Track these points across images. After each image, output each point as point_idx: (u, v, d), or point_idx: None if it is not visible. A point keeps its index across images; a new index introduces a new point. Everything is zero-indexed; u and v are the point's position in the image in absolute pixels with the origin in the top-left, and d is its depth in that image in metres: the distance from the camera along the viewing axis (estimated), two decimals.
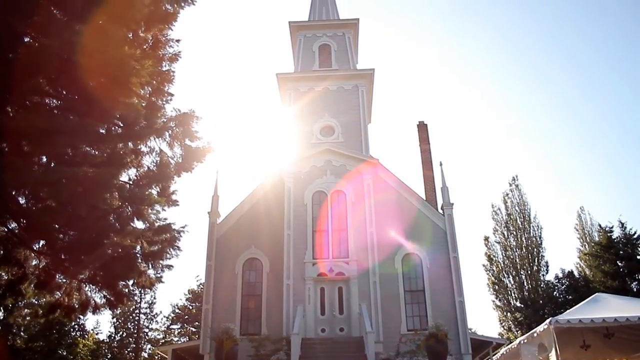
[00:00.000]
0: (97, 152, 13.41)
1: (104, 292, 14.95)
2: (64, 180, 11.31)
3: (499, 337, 32.42)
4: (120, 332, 47.94)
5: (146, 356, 47.51)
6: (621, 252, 37.54)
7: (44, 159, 12.90)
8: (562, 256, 79.49)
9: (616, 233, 38.70)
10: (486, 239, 43.39)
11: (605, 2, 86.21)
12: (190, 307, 46.98)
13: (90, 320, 62.35)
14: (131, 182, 14.24)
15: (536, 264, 40.79)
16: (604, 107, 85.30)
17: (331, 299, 21.95)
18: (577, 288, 37.93)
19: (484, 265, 42.70)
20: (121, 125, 13.48)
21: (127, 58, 11.41)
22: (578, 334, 15.20)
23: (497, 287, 41.27)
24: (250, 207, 24.54)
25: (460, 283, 22.33)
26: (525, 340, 15.59)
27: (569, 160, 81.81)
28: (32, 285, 14.54)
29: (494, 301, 41.68)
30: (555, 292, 40.33)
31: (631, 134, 78.93)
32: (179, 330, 48.30)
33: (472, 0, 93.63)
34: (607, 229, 39.20)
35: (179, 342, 43.37)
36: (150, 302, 48.41)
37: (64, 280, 14.73)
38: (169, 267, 14.97)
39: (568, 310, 16.31)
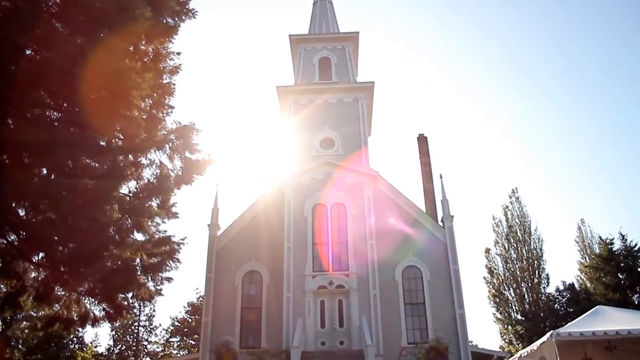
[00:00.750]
0: (97, 165, 13.47)
1: (103, 304, 14.93)
2: (64, 192, 11.33)
3: (500, 350, 32.25)
4: (119, 345, 47.62)
5: None
6: (622, 264, 37.37)
7: (45, 171, 12.95)
8: (563, 268, 79.24)
9: (617, 245, 38.56)
10: (487, 251, 43.25)
11: (609, 16, 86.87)
12: (190, 320, 46.67)
13: (89, 333, 62.11)
14: (131, 195, 14.26)
15: (537, 276, 40.59)
16: (604, 120, 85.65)
17: (331, 311, 21.85)
18: (578, 300, 37.73)
19: (484, 278, 42.53)
20: (122, 137, 13.55)
21: (128, 71, 11.50)
22: (579, 347, 15.11)
23: (497, 299, 41.05)
24: (250, 220, 24.51)
25: (460, 295, 22.22)
26: (527, 354, 15.49)
27: (569, 173, 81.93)
28: (31, 298, 14.51)
29: (494, 314, 41.46)
30: (556, 305, 40.09)
31: (631, 146, 79.09)
32: (178, 343, 47.97)
33: (473, 11, 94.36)
34: (607, 241, 39.07)
35: (178, 355, 43.22)
36: (149, 314, 48.17)
37: (63, 293, 14.72)
38: (169, 279, 14.97)
39: (569, 323, 16.23)
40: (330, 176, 24.01)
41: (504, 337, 41.06)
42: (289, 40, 29.05)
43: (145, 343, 48.27)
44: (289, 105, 26.20)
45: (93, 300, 14.87)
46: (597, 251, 41.70)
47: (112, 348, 47.16)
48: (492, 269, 42.27)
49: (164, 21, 14.14)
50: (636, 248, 37.56)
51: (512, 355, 20.80)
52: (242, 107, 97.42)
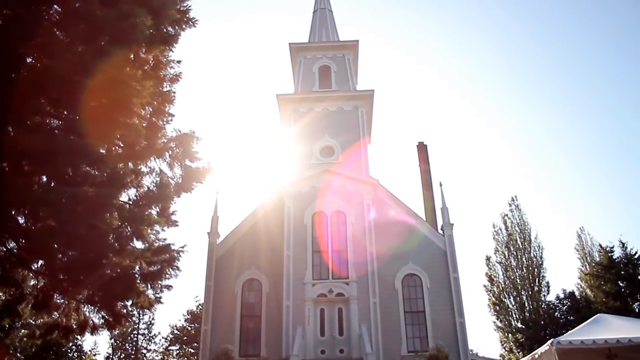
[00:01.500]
0: (97, 172, 13.47)
1: (102, 312, 14.89)
2: (64, 200, 11.34)
3: (500, 358, 32.20)
4: (118, 353, 47.47)
5: None
6: (622, 272, 37.29)
7: (44, 179, 12.95)
8: (563, 276, 79.03)
9: (617, 253, 38.49)
10: (487, 259, 43.22)
11: (611, 23, 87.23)
12: (189, 328, 46.49)
13: (88, 341, 61.95)
14: (131, 202, 14.27)
15: (537, 284, 40.52)
16: (604, 128, 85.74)
17: (331, 320, 21.78)
18: (578, 309, 37.63)
19: (484, 286, 42.46)
20: (122, 145, 13.57)
21: (128, 79, 11.54)
22: (580, 355, 15.08)
23: (498, 307, 40.96)
24: (250, 228, 24.51)
25: (460, 304, 22.19)
26: None
27: (569, 180, 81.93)
28: (29, 306, 14.47)
29: (495, 322, 41.36)
30: (556, 313, 39.98)
31: (631, 153, 79.15)
32: (178, 351, 47.78)
33: (473, 18, 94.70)
34: (607, 249, 39.00)
35: None
36: (148, 322, 48.04)
37: (62, 301, 14.67)
38: (168, 287, 14.94)
39: (570, 331, 16.24)
40: (330, 184, 24.02)
41: (505, 345, 40.90)
42: (289, 48, 29.17)
43: (145, 351, 48.09)
44: (289, 113, 26.28)
45: (92, 308, 14.84)
46: (598, 259, 41.64)
47: (111, 356, 47.00)
48: (492, 276, 42.21)
49: (165, 30, 14.21)
50: (636, 256, 37.48)
51: None
52: (242, 115, 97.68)
